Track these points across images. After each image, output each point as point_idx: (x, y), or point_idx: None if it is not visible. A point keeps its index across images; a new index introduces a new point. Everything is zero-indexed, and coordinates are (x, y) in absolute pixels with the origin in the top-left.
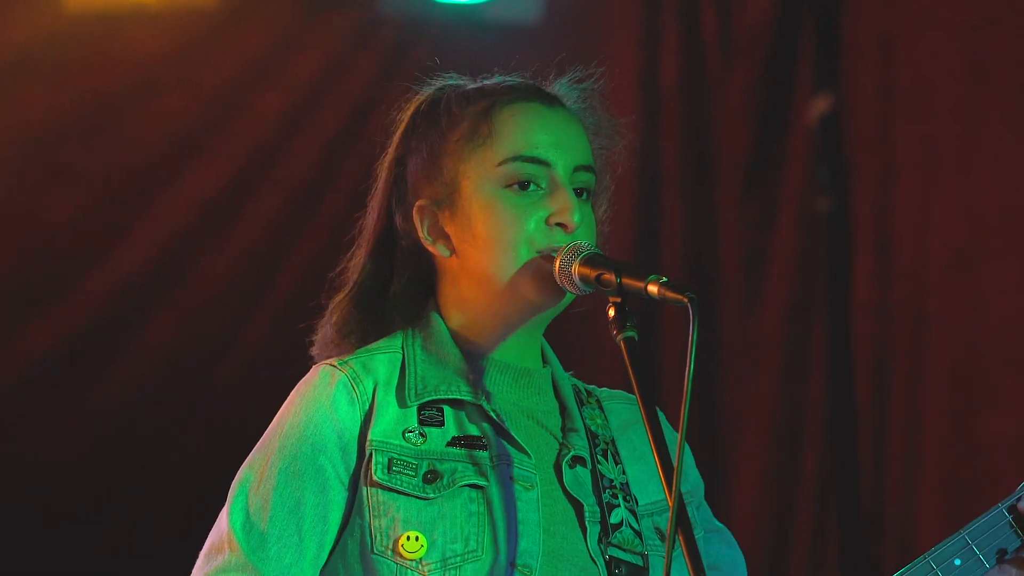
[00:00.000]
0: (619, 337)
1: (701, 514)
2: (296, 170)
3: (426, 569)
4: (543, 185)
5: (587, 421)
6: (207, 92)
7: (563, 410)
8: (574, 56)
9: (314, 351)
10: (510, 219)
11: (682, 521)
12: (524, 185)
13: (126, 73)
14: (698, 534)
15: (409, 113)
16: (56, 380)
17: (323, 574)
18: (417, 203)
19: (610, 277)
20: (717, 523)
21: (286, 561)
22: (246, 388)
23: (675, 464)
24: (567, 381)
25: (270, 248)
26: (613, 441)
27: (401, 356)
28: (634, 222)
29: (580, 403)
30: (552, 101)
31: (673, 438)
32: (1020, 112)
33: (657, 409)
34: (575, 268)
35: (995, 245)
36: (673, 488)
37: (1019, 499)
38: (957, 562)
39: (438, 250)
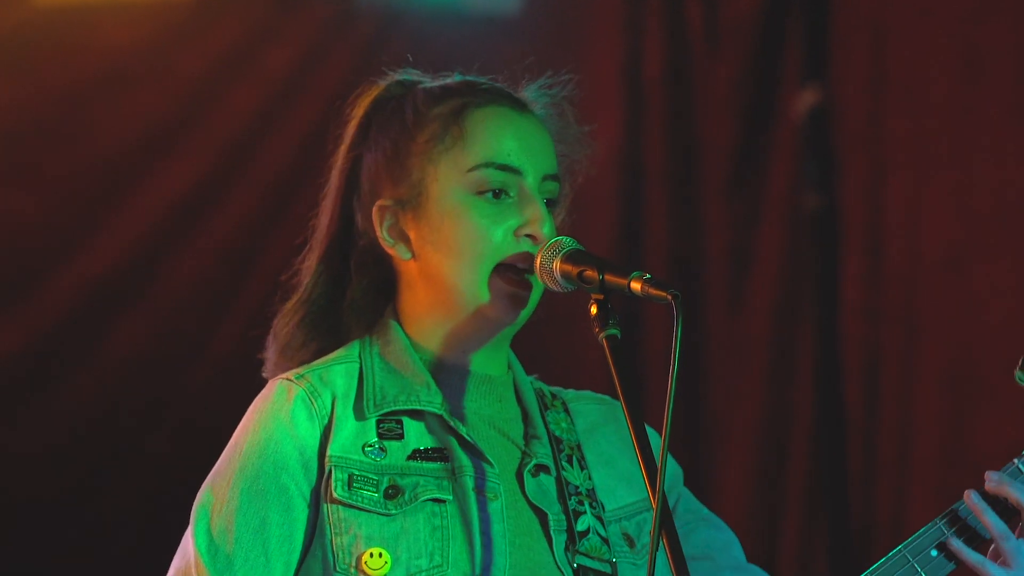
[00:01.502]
0: (601, 335)
1: (684, 504)
2: (271, 166)
3: None
4: (512, 194)
5: (551, 426)
6: (179, 85)
7: (525, 417)
8: (555, 48)
9: (266, 363)
10: (479, 229)
11: (666, 524)
12: (496, 194)
13: (95, 66)
14: (680, 526)
15: (363, 109)
16: (23, 381)
17: None
18: (378, 202)
19: (592, 274)
20: (704, 510)
21: None
22: (219, 389)
23: (659, 465)
24: (529, 386)
25: (244, 246)
26: (579, 446)
27: (359, 366)
28: (616, 218)
29: (544, 407)
30: (522, 107)
31: (656, 442)
32: (1015, 107)
33: None
34: (556, 265)
35: (989, 244)
36: (657, 489)
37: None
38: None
39: (398, 252)
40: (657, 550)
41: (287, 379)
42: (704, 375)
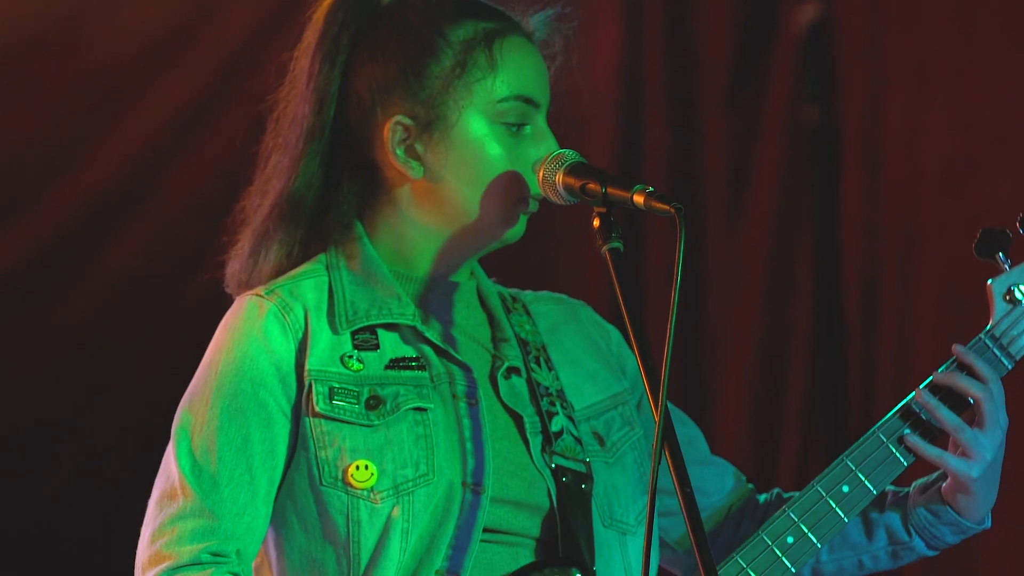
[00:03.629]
0: (604, 248)
1: (647, 402)
2: (269, 81)
3: (378, 497)
4: (529, 127)
5: (516, 329)
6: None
7: (492, 320)
8: None
9: (230, 266)
10: (503, 160)
11: (669, 436)
12: (521, 125)
13: None
14: (644, 423)
15: (344, 11)
16: (19, 296)
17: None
18: (395, 118)
19: (595, 187)
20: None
21: (241, 501)
22: (216, 306)
23: (662, 377)
24: (493, 290)
25: (242, 162)
26: (544, 347)
27: (327, 279)
28: (616, 133)
29: (507, 311)
30: (532, 37)
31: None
32: (1015, 22)
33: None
34: (559, 178)
35: (988, 160)
36: (659, 402)
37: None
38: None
39: (410, 170)
40: (660, 462)
41: (256, 295)
42: (703, 290)
